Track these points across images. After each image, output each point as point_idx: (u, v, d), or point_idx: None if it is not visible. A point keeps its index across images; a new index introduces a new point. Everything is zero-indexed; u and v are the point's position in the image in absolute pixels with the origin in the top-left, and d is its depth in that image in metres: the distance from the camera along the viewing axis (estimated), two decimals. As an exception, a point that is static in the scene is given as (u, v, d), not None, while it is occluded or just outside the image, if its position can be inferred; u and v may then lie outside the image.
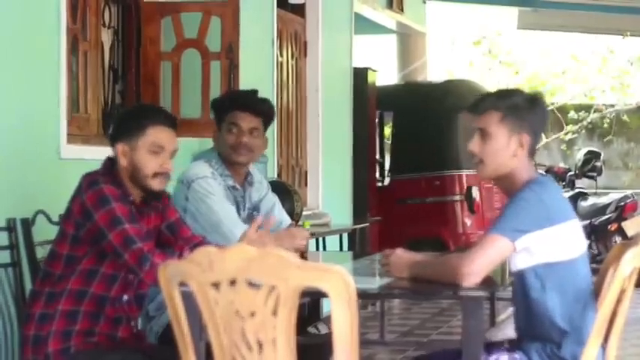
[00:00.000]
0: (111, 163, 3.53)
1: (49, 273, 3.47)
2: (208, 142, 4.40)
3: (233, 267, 2.49)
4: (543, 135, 16.12)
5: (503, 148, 3.24)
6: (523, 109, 3.25)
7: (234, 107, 4.18)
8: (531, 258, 3.20)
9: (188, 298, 2.63)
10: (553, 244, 3.18)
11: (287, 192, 6.12)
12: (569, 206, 3.31)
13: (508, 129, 3.24)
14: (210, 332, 2.57)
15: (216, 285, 2.54)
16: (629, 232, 10.56)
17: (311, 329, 4.13)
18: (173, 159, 3.55)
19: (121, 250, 3.35)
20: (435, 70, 14.76)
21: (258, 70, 6.83)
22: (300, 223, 6.21)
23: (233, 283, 2.52)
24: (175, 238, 3.64)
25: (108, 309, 3.47)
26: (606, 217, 10.97)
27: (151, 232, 3.56)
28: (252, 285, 2.51)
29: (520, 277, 3.24)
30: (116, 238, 3.35)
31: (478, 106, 3.28)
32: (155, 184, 3.48)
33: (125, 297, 3.51)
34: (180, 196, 4.07)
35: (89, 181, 3.44)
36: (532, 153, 3.30)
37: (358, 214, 9.15)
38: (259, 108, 4.21)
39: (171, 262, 2.64)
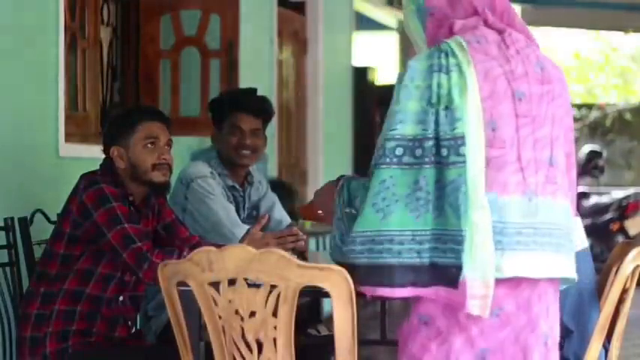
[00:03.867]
0: (110, 163, 3.51)
1: (44, 273, 3.45)
2: (208, 141, 4.38)
3: (233, 266, 2.48)
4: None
5: None
6: None
7: (235, 109, 4.15)
8: None
9: (188, 298, 2.61)
10: None
11: (287, 191, 6.10)
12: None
13: None
14: (210, 332, 2.56)
15: (215, 285, 2.52)
16: (632, 232, 10.54)
17: (311, 331, 4.11)
18: (171, 150, 3.55)
19: (120, 249, 3.33)
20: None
21: (258, 69, 6.81)
22: (300, 222, 6.19)
23: (232, 282, 2.50)
24: (172, 238, 3.62)
25: (104, 309, 3.45)
26: (608, 216, 10.95)
27: (149, 232, 3.54)
28: (251, 285, 2.49)
29: None
30: (115, 236, 3.33)
31: None
32: (156, 176, 3.48)
33: (121, 298, 3.49)
34: (179, 196, 4.05)
35: (88, 180, 3.43)
36: None
37: (359, 213, 9.12)
38: (260, 108, 4.19)
39: (171, 261, 2.63)
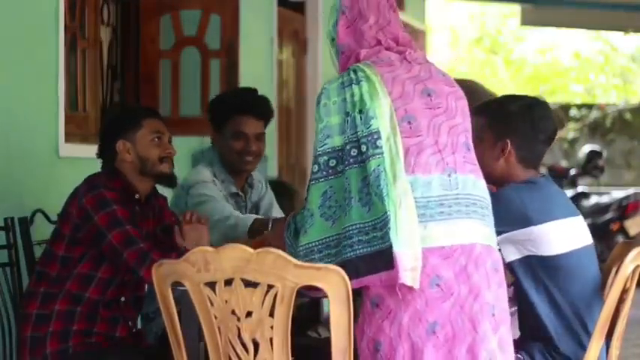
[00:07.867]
0: (111, 165, 3.53)
1: (44, 273, 3.45)
2: (208, 141, 4.37)
3: (229, 266, 2.48)
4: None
5: (488, 152, 3.26)
6: (511, 115, 3.27)
7: (239, 111, 4.01)
8: (516, 251, 3.18)
9: (186, 298, 2.61)
10: (537, 241, 3.16)
11: (287, 191, 6.09)
12: (557, 206, 3.25)
13: (494, 134, 3.25)
14: (205, 332, 2.56)
15: (211, 285, 2.52)
16: (632, 232, 10.53)
17: (311, 333, 4.09)
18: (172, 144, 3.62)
19: (121, 249, 3.34)
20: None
21: (257, 69, 6.81)
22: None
23: (228, 282, 2.50)
24: (172, 241, 3.61)
25: (103, 311, 3.45)
26: (608, 216, 10.94)
27: (150, 234, 3.55)
28: (248, 284, 2.49)
29: (512, 270, 3.22)
30: (116, 238, 3.34)
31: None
32: (165, 168, 3.56)
33: (123, 299, 3.49)
34: (181, 202, 3.99)
35: (89, 185, 3.44)
36: (526, 161, 3.27)
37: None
38: (262, 111, 4.06)
39: (166, 261, 2.63)
